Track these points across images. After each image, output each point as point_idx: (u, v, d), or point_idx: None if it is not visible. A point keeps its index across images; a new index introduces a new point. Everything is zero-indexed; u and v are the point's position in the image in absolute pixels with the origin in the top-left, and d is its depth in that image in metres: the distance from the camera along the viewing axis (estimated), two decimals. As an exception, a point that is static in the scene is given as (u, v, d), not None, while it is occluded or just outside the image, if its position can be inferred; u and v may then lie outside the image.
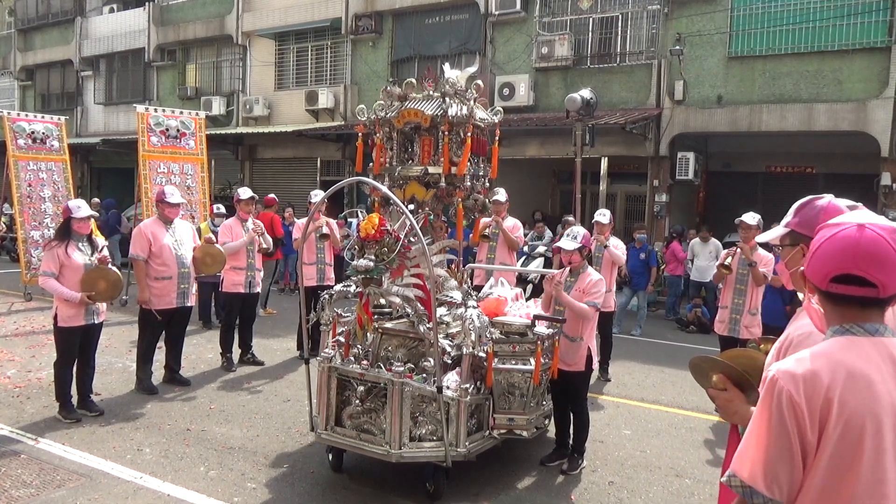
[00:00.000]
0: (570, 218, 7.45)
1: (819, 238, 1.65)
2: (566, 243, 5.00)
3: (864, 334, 1.59)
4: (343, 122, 16.61)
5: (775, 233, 2.18)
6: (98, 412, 5.87)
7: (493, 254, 7.55)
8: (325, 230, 7.85)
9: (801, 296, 2.13)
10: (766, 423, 1.56)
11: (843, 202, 1.96)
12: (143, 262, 6.39)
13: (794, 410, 1.52)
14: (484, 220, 7.14)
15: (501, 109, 5.36)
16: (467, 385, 4.40)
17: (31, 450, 5.07)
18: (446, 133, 4.73)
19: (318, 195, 8.20)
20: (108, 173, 23.66)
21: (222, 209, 9.91)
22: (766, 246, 6.60)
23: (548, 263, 11.80)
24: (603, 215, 7.56)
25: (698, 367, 2.11)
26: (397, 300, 4.48)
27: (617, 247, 7.36)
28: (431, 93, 4.89)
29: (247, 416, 5.99)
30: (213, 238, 7.09)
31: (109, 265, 5.80)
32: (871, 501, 1.51)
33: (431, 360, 4.38)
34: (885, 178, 11.40)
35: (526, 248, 11.72)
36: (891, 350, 1.57)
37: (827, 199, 2.03)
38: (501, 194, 7.52)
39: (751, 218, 6.39)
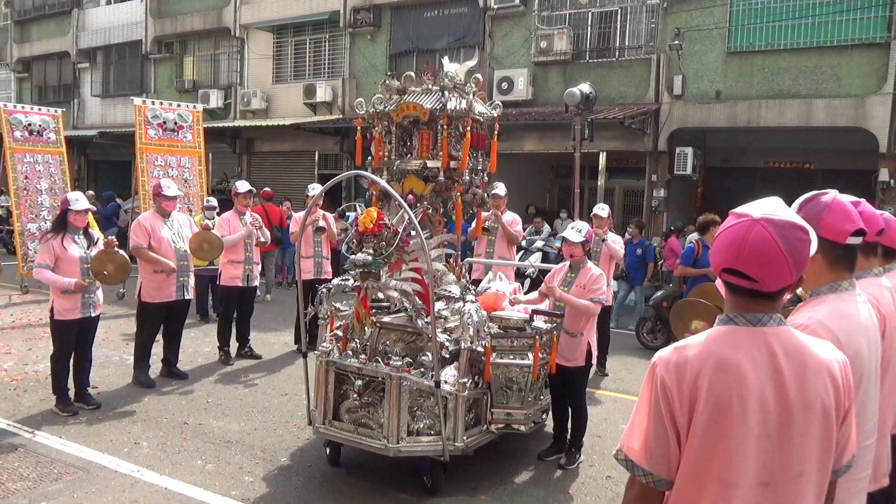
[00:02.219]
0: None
1: (722, 225, 1.72)
2: (571, 234, 4.97)
3: (745, 324, 1.67)
4: (341, 116, 16.56)
5: None
6: (95, 405, 5.86)
7: (491, 248, 7.54)
8: (322, 224, 7.83)
9: (799, 291, 2.13)
10: (646, 405, 1.70)
11: (847, 198, 1.95)
12: (146, 248, 6.35)
13: (666, 395, 1.65)
14: (483, 215, 7.12)
15: (500, 103, 5.34)
16: (465, 380, 4.40)
17: (28, 443, 5.07)
18: (445, 127, 4.72)
19: (315, 189, 8.18)
20: (106, 166, 23.59)
21: (213, 202, 9.85)
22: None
23: (545, 258, 11.82)
24: (602, 209, 7.55)
25: (684, 311, 2.11)
26: (395, 294, 4.47)
27: (615, 241, 7.36)
28: (430, 86, 4.87)
29: (244, 410, 5.98)
30: (209, 225, 7.07)
31: (116, 248, 5.79)
32: (736, 479, 1.61)
33: (429, 354, 4.38)
34: (883, 175, 11.39)
35: (524, 243, 11.73)
36: (768, 339, 1.65)
37: (832, 194, 2.03)
38: (501, 188, 7.50)
39: None
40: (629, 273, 10.21)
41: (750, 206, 1.72)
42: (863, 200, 1.96)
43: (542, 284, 5.25)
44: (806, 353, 1.66)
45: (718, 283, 1.85)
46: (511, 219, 7.59)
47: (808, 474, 1.64)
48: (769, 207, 1.68)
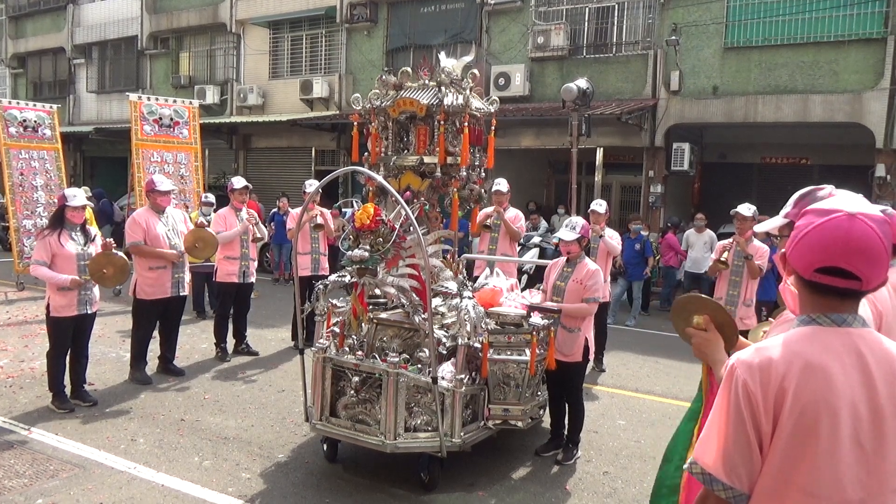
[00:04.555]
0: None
1: (806, 224, 1.59)
2: (565, 234, 4.98)
3: (830, 325, 1.57)
4: (338, 112, 16.54)
5: (774, 223, 2.18)
6: (91, 402, 5.85)
7: (494, 245, 7.51)
8: (319, 220, 7.81)
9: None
10: (724, 412, 1.57)
11: (843, 194, 1.95)
12: (143, 244, 6.34)
13: (749, 399, 1.53)
14: (485, 211, 7.11)
15: (497, 99, 5.32)
16: (462, 376, 4.39)
17: (24, 440, 5.06)
18: (442, 123, 4.71)
19: (312, 185, 8.16)
20: (101, 162, 23.53)
21: (210, 198, 9.85)
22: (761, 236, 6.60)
23: (542, 254, 11.82)
24: (599, 205, 7.54)
25: (685, 306, 2.10)
26: (392, 290, 4.46)
27: (612, 237, 7.36)
28: (427, 82, 4.86)
29: (241, 407, 5.98)
30: (205, 222, 7.06)
31: (114, 250, 5.77)
32: (825, 491, 1.51)
33: (426, 350, 4.37)
34: (880, 170, 11.43)
35: (521, 239, 11.72)
36: (855, 341, 1.55)
37: (828, 190, 2.03)
38: (503, 185, 7.46)
39: (746, 209, 6.38)
40: (627, 269, 10.22)
41: (833, 202, 1.62)
42: (859, 195, 1.95)
43: (543, 282, 5.26)
44: (893, 356, 1.56)
45: (784, 286, 1.79)
46: (514, 215, 7.55)
47: None
48: (857, 202, 1.59)
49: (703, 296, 2.10)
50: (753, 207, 6.43)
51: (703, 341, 2.02)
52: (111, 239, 5.92)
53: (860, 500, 1.51)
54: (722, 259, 6.41)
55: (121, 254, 5.83)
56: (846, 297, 1.57)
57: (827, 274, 1.55)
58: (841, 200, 1.62)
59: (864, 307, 2.38)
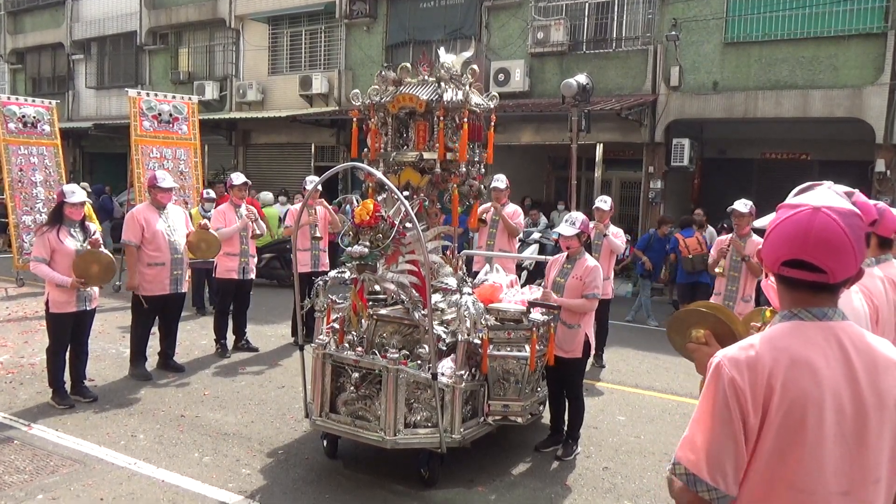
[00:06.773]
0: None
1: (776, 219, 1.62)
2: (565, 229, 4.98)
3: (811, 319, 1.58)
4: (337, 108, 16.51)
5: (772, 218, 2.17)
6: (91, 398, 5.86)
7: (492, 241, 7.50)
8: (319, 233, 7.80)
9: None
10: (710, 410, 1.56)
11: (841, 189, 1.94)
12: (136, 248, 6.35)
13: (737, 396, 1.52)
14: (483, 206, 7.09)
15: (497, 95, 5.31)
16: (462, 372, 4.40)
17: (24, 436, 5.07)
18: (441, 118, 4.70)
19: (312, 181, 8.15)
20: (101, 158, 23.48)
21: (212, 194, 9.84)
22: (760, 232, 6.59)
23: (542, 250, 11.82)
24: (604, 202, 7.48)
25: (680, 321, 2.05)
26: (392, 286, 4.46)
27: (616, 235, 7.33)
28: (426, 78, 4.85)
29: (241, 403, 5.98)
30: (208, 224, 7.07)
31: (101, 248, 5.75)
32: (810, 485, 1.51)
33: (426, 346, 4.37)
34: (880, 165, 11.41)
35: (520, 235, 11.71)
36: (838, 334, 1.57)
37: (825, 185, 2.02)
38: (501, 181, 7.45)
39: (743, 206, 6.37)
40: (656, 269, 10.18)
41: (803, 196, 1.64)
42: (856, 191, 1.95)
43: (544, 278, 5.25)
44: (873, 348, 1.58)
45: (766, 283, 1.79)
46: (512, 211, 7.54)
47: (882, 481, 1.54)
48: (825, 197, 1.60)
49: (702, 309, 2.06)
50: (750, 203, 6.42)
51: (706, 356, 1.96)
52: (98, 237, 5.87)
53: (844, 492, 1.52)
54: (718, 270, 6.47)
55: (107, 252, 5.80)
56: (820, 290, 1.58)
57: (792, 267, 1.57)
58: (812, 195, 1.63)
59: (861, 302, 2.38)
